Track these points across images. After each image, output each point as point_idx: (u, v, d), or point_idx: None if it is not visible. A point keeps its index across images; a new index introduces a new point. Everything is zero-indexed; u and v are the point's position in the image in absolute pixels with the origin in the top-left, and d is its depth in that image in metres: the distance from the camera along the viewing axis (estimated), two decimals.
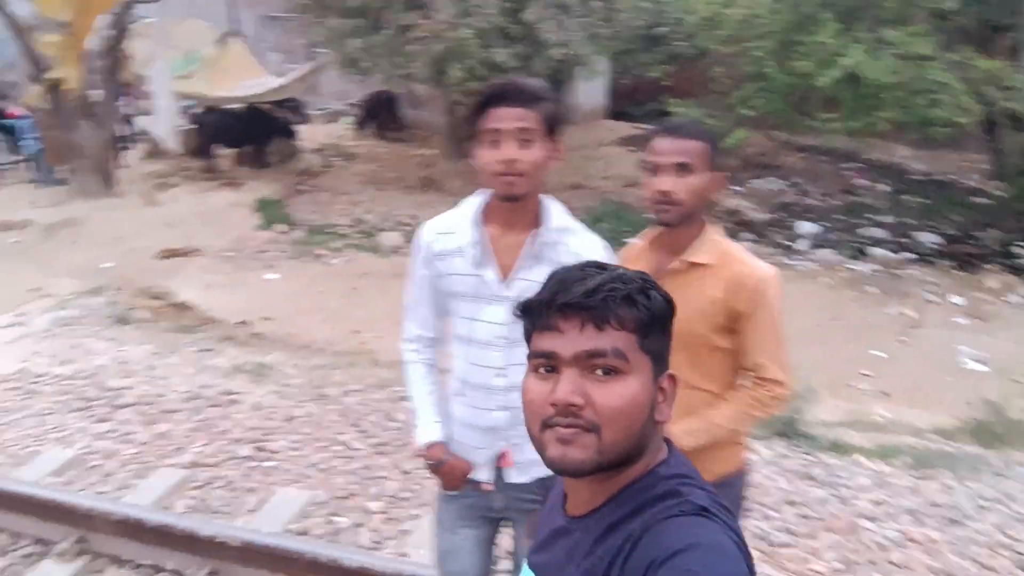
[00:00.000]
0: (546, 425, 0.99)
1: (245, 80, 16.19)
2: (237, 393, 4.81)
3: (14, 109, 15.41)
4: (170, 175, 14.77)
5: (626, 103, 18.43)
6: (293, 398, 4.81)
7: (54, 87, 12.59)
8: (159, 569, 3.10)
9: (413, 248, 2.05)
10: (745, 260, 2.01)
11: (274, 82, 16.33)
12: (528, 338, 1.05)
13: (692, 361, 1.96)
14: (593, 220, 12.46)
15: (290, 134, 16.03)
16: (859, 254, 10.71)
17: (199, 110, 16.22)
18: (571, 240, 1.94)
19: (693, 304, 1.93)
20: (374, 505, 3.58)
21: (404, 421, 4.47)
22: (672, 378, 1.05)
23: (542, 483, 2.03)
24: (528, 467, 2.01)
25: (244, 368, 5.31)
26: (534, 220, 1.93)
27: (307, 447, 4.14)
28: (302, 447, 4.13)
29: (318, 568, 2.84)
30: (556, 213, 1.96)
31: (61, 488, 3.50)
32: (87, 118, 13.15)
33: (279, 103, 16.71)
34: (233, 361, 5.50)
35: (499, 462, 2.02)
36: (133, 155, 16.23)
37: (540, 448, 1.00)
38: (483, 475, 2.03)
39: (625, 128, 17.46)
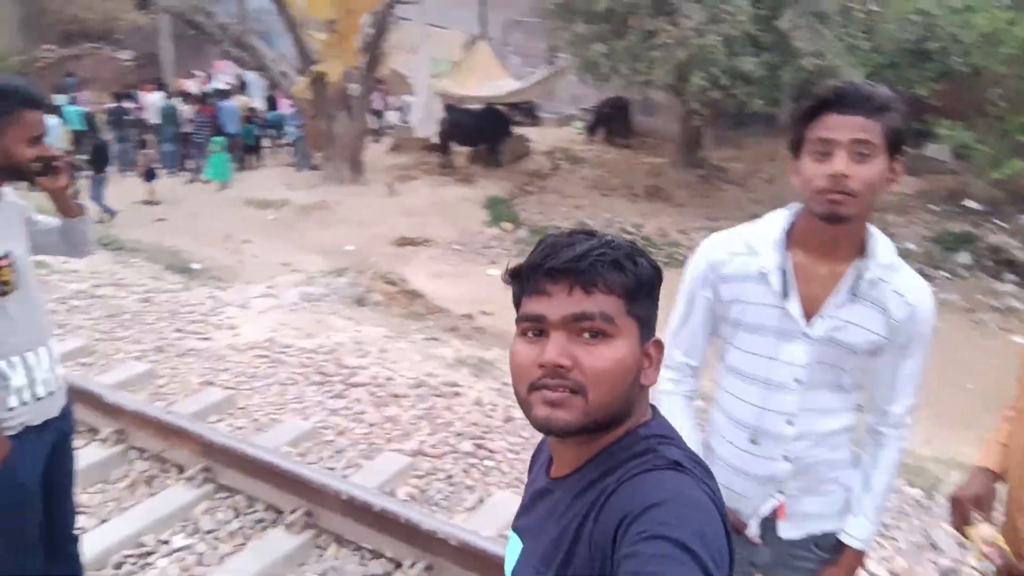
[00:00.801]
0: (533, 387, 1.00)
1: (488, 81, 16.72)
2: (460, 386, 4.82)
3: (283, 99, 16.97)
4: (411, 168, 15.60)
5: None
6: (511, 398, 4.74)
7: (318, 80, 13.67)
8: (378, 555, 3.10)
9: (690, 264, 1.79)
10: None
11: (514, 84, 16.74)
12: (517, 303, 1.06)
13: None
14: None
15: (509, 134, 16.31)
16: None
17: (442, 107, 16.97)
18: (897, 280, 1.63)
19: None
20: None
21: None
22: (658, 344, 1.06)
23: (816, 540, 1.76)
24: (803, 521, 1.75)
25: (467, 361, 5.34)
26: (855, 250, 1.63)
27: (525, 452, 4.03)
28: (520, 451, 4.04)
29: None
30: (884, 246, 1.64)
31: (295, 459, 3.63)
32: (344, 110, 14.18)
33: (515, 105, 17.12)
34: (457, 353, 5.56)
35: (773, 514, 1.74)
36: (380, 147, 17.33)
37: (526, 409, 1.01)
38: (750, 528, 1.77)
39: None
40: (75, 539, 2.48)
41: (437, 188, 14.10)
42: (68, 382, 2.40)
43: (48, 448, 2.24)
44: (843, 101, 1.53)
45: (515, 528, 1.17)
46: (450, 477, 3.75)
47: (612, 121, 18.51)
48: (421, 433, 4.15)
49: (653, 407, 1.09)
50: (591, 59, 12.99)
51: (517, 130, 16.70)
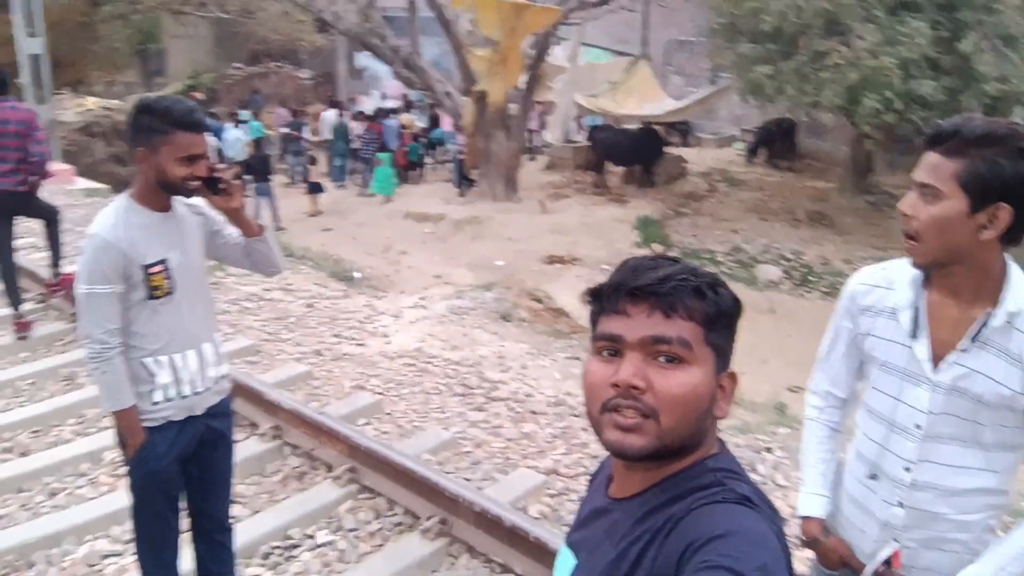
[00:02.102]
0: (605, 407, 0.99)
1: (646, 101, 16.63)
2: None
3: (445, 118, 17.62)
4: (564, 187, 15.74)
5: None
6: None
7: (480, 98, 14.10)
8: (507, 570, 3.14)
9: (842, 294, 1.76)
10: None
11: (673, 104, 16.55)
12: (594, 322, 1.06)
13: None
14: None
15: (664, 154, 16.10)
16: None
17: (598, 124, 17.03)
18: None
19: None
20: None
21: (764, 475, 4.09)
22: (733, 376, 1.05)
23: None
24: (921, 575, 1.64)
25: None
26: (990, 293, 1.50)
27: None
28: None
29: None
30: (1018, 290, 1.49)
31: (435, 468, 3.74)
32: (502, 129, 14.53)
33: (671, 125, 16.90)
34: None
35: (888, 562, 1.65)
36: (534, 165, 17.61)
37: (597, 429, 1.01)
38: (865, 572, 1.68)
39: None
40: (227, 529, 2.65)
41: (589, 207, 14.14)
42: (233, 380, 2.57)
43: (190, 442, 2.39)
44: (932, 138, 1.45)
45: (569, 543, 1.17)
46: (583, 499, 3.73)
47: (775, 143, 17.90)
48: (556, 452, 4.17)
49: (721, 441, 1.08)
50: (756, 80, 12.63)
51: (674, 150, 16.49)
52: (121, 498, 3.64)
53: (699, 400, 0.99)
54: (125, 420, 2.28)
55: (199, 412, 2.39)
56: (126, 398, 2.27)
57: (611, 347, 1.02)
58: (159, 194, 2.25)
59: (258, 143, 14.23)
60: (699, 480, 1.01)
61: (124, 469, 2.41)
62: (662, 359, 0.99)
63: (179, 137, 2.14)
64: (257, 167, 13.27)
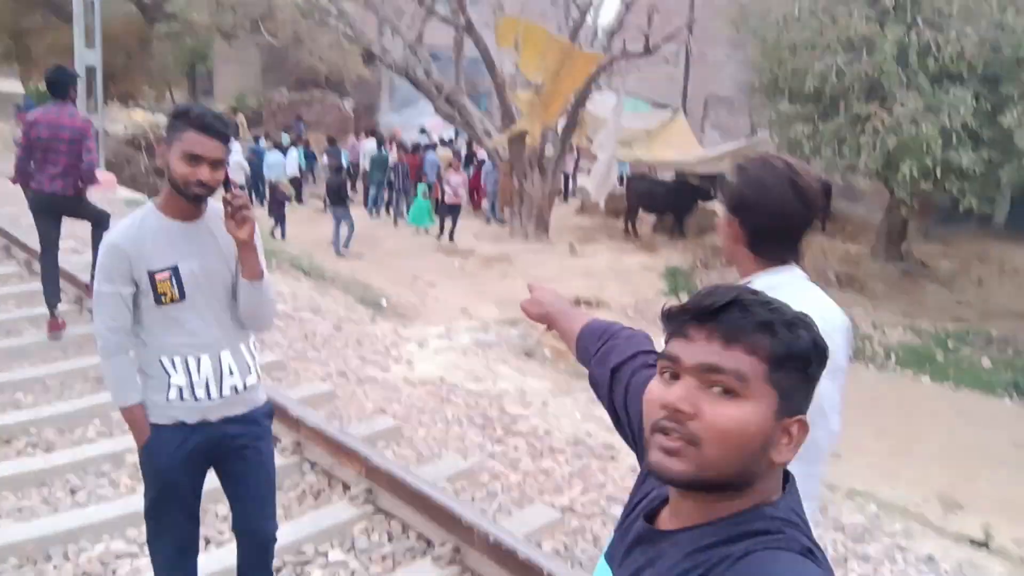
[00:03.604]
0: (655, 428, 0.99)
1: (681, 153, 16.75)
2: (616, 449, 4.77)
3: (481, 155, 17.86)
4: (594, 231, 15.82)
5: None
6: None
7: (518, 138, 14.28)
8: None
9: None
10: None
11: (706, 154, 16.65)
12: (666, 343, 1.06)
13: None
14: None
15: (697, 206, 16.15)
16: None
17: (631, 174, 17.15)
18: None
19: None
20: None
21: None
22: (802, 424, 1.00)
23: None
24: None
25: None
26: None
27: None
28: None
29: None
30: None
31: (450, 495, 3.73)
32: (537, 170, 14.68)
33: (710, 179, 16.98)
34: None
35: None
36: (566, 208, 17.73)
37: (647, 450, 1.01)
38: None
39: None
40: (267, 543, 2.61)
41: (618, 253, 14.18)
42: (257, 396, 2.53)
43: (201, 448, 2.38)
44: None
45: (607, 557, 1.15)
46: (597, 539, 3.70)
47: None
48: (573, 490, 4.14)
49: (788, 489, 1.04)
50: (794, 139, 12.69)
51: (706, 204, 16.55)
52: (139, 501, 3.67)
53: (746, 438, 0.96)
54: (130, 415, 2.33)
55: (214, 419, 2.38)
56: (131, 394, 2.30)
57: (670, 368, 1.01)
58: (179, 201, 2.27)
59: (338, 170, 14.69)
60: (756, 525, 0.97)
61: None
62: (716, 389, 0.96)
63: (188, 135, 2.18)
64: (334, 192, 13.62)
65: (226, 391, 2.37)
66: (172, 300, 2.27)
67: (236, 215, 2.23)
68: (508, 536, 3.21)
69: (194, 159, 2.18)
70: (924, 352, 10.97)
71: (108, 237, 2.28)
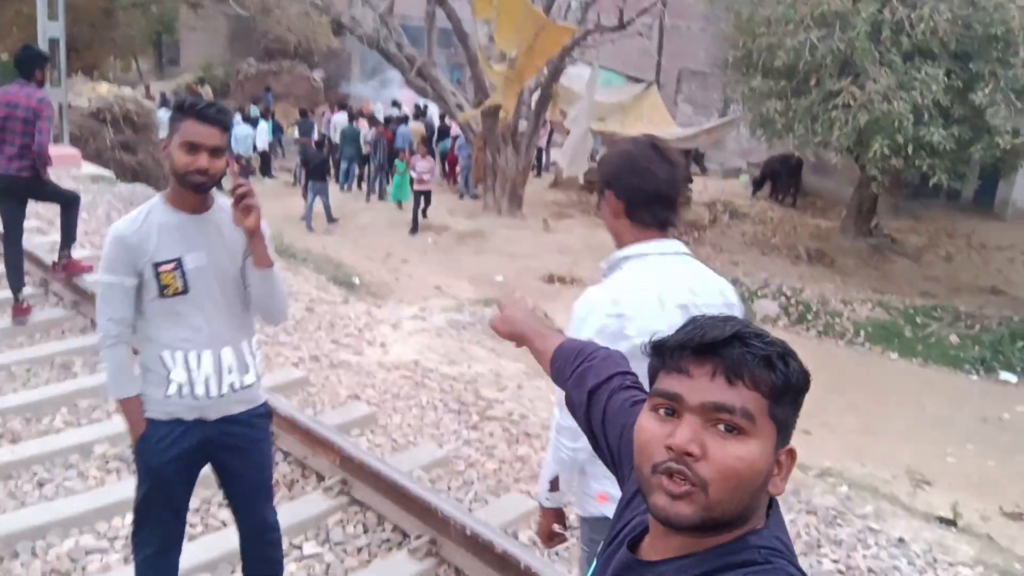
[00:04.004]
0: (656, 469, 0.96)
1: (655, 127, 16.69)
2: None
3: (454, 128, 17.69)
4: (568, 206, 15.78)
5: None
6: None
7: (491, 113, 14.14)
8: None
9: None
10: None
11: (681, 132, 16.63)
12: (653, 377, 1.03)
13: None
14: (1010, 336, 10.63)
15: None
16: None
17: (603, 149, 17.08)
18: None
19: None
20: None
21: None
22: (791, 453, 1.01)
23: None
24: None
25: None
26: None
27: None
28: None
29: None
30: None
31: (426, 486, 3.71)
32: (511, 145, 14.57)
33: (685, 153, 16.99)
34: None
35: None
36: (540, 183, 17.65)
37: (646, 490, 0.99)
38: None
39: None
40: (272, 542, 2.63)
41: (592, 228, 14.15)
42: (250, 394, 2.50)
43: (195, 446, 2.36)
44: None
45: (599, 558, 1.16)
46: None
47: (780, 178, 17.97)
48: None
49: (771, 515, 1.03)
50: (766, 115, 12.70)
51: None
52: (108, 493, 3.62)
53: (754, 476, 0.95)
54: (127, 409, 2.33)
55: (211, 417, 2.37)
56: (129, 388, 2.31)
57: (668, 406, 0.98)
58: (185, 194, 2.27)
59: (319, 143, 14.53)
60: (743, 556, 0.97)
61: (118, 464, 2.41)
62: (721, 427, 0.95)
63: (186, 124, 2.18)
64: (315, 166, 13.47)
65: (224, 388, 2.37)
66: (176, 292, 2.27)
67: (241, 203, 2.22)
68: (485, 528, 3.20)
69: (192, 148, 2.19)
70: (893, 328, 11.14)
71: (113, 228, 2.29)
